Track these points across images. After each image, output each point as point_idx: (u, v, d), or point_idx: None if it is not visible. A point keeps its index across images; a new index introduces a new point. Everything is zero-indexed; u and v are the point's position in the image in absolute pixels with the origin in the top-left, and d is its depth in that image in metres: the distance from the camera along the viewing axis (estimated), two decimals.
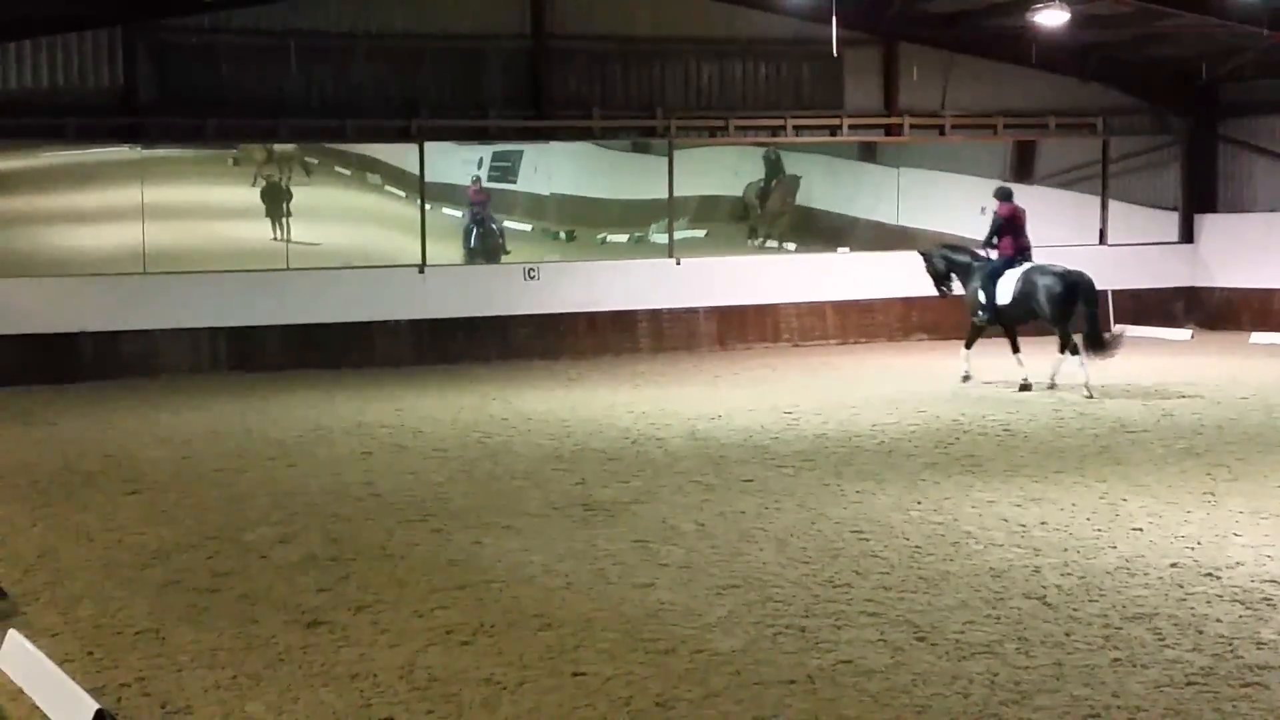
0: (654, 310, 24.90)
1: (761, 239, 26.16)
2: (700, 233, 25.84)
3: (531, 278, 24.24)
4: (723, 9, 26.42)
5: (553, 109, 25.61)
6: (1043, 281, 18.87)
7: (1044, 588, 9.72)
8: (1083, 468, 13.94)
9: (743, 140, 26.45)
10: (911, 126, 27.25)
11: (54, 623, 9.26)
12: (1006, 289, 19.19)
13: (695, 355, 24.36)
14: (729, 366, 22.70)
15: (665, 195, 25.30)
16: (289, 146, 23.59)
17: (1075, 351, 18.78)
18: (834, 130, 27.01)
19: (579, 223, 25.41)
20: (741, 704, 7.59)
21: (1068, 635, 8.66)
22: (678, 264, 25.02)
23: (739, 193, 26.17)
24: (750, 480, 13.53)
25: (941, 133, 27.51)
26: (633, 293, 24.72)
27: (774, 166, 26.32)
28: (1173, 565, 10.26)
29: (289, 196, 23.61)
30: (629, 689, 7.85)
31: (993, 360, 20.76)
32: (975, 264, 19.85)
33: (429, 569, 10.44)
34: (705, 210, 25.95)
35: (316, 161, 23.58)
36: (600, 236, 25.48)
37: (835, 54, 23.71)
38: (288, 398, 19.55)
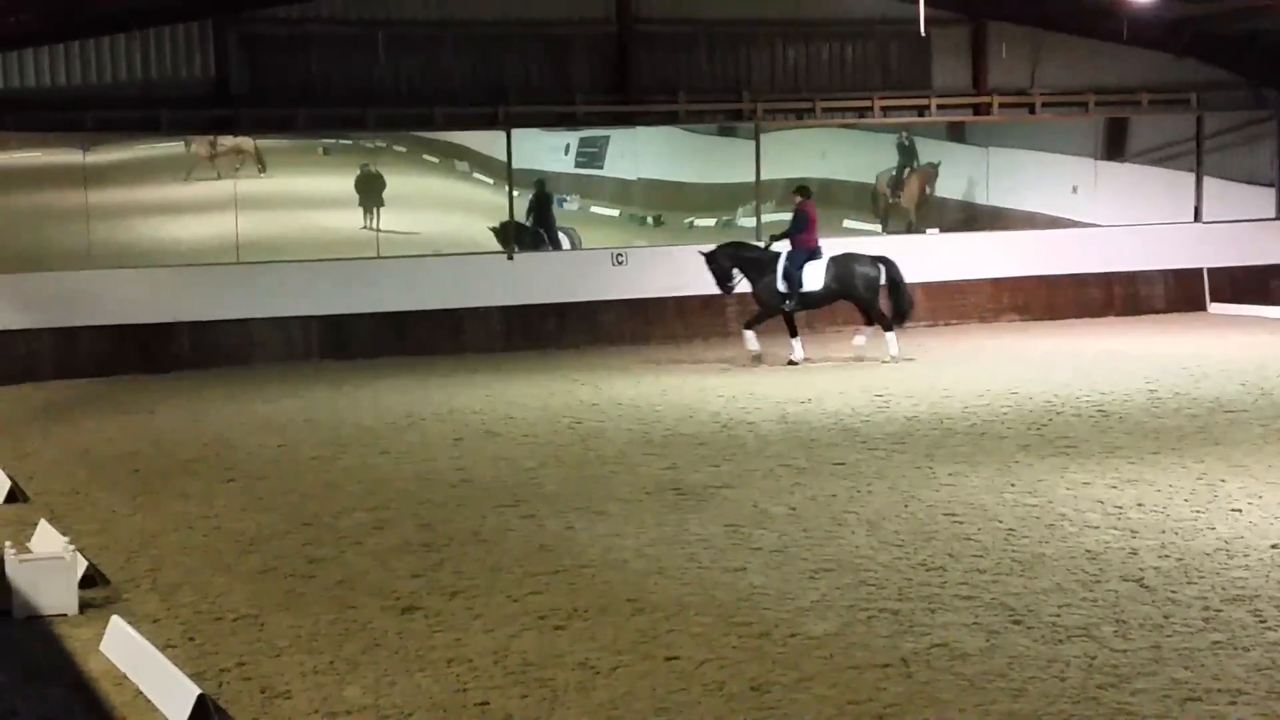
0: (743, 294, 24.80)
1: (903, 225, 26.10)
2: (788, 215, 25.69)
3: (619, 263, 24.25)
4: None
5: (639, 93, 25.60)
6: (860, 269, 20.81)
7: (1141, 570, 9.62)
8: (1180, 448, 13.77)
9: (829, 122, 26.30)
10: (1001, 105, 26.97)
11: (155, 609, 9.41)
12: (815, 277, 20.79)
13: (785, 338, 24.25)
14: (818, 350, 22.60)
15: (752, 179, 25.20)
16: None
17: (888, 327, 20.82)
18: (922, 110, 26.79)
19: (666, 207, 25.38)
20: (835, 688, 7.58)
21: (1166, 618, 8.57)
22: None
23: (827, 175, 26.00)
24: (841, 463, 13.48)
25: (1031, 111, 27.21)
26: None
27: (907, 153, 26.10)
28: (1273, 546, 10.12)
29: (382, 185, 23.77)
30: (722, 673, 7.86)
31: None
32: (765, 258, 21.07)
33: (522, 554, 10.50)
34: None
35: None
36: (687, 221, 25.43)
37: (923, 33, 23.49)
38: (380, 385, 19.72)
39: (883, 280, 20.86)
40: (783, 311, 21.07)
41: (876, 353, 20.81)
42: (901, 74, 26.90)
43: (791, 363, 20.77)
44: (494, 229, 23.99)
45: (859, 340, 21.18)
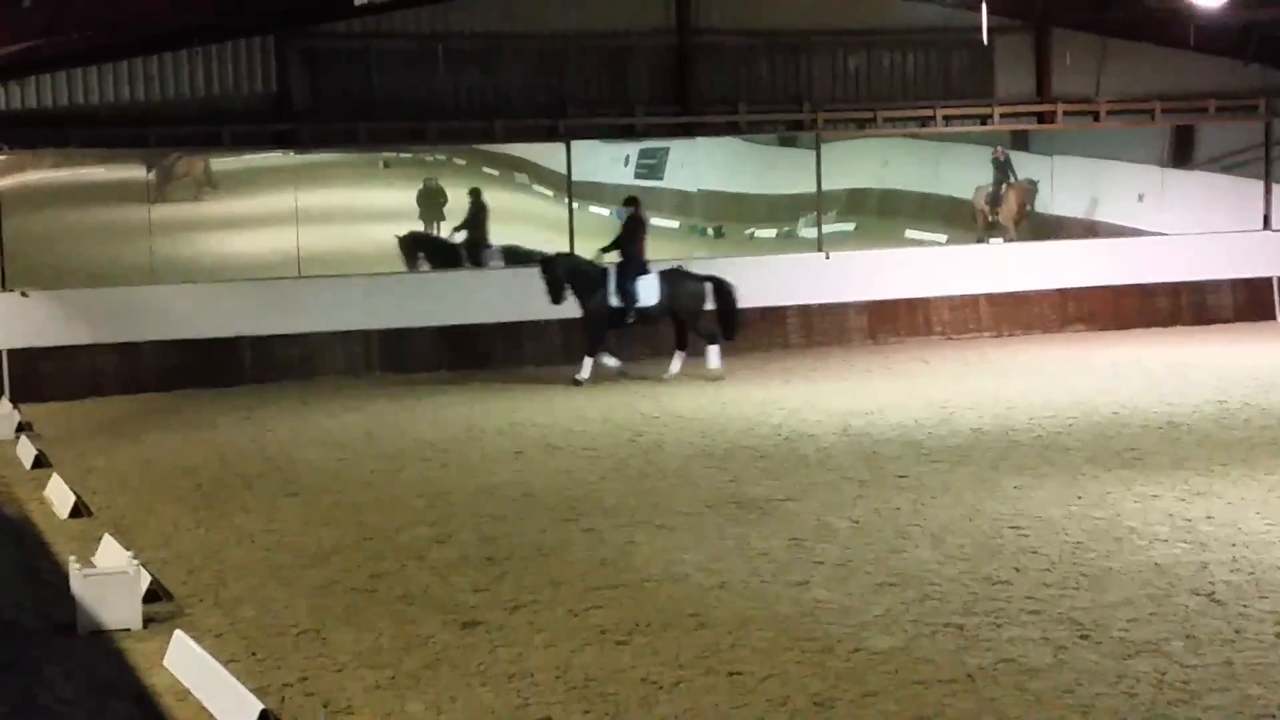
0: (803, 305, 24.70)
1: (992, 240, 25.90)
2: (849, 226, 25.61)
3: None
4: None
5: (698, 104, 25.55)
6: (691, 286, 20.82)
7: (1212, 584, 9.47)
8: (1250, 460, 13.56)
9: (891, 131, 26.17)
10: (1065, 113, 26.74)
11: (218, 623, 9.43)
12: (651, 290, 20.57)
13: (846, 350, 24.13)
14: (881, 361, 22.47)
15: (813, 189, 25.08)
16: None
17: (713, 340, 20.83)
18: (985, 119, 26.60)
19: (726, 218, 25.30)
20: (901, 703, 7.49)
21: (1238, 633, 8.42)
22: (827, 258, 24.80)
23: (888, 185, 25.86)
24: (905, 476, 13.36)
25: (1096, 119, 26.97)
26: (782, 288, 24.51)
27: (1004, 169, 25.87)
28: None
29: (444, 199, 23.82)
30: (786, 688, 7.78)
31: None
32: (594, 272, 20.65)
33: (583, 568, 10.45)
34: (854, 203, 25.71)
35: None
36: (748, 232, 25.35)
37: (985, 41, 23.33)
38: (440, 398, 19.74)
39: (710, 300, 20.85)
40: (595, 326, 20.72)
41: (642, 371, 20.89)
42: (964, 83, 26.73)
43: (576, 381, 20.40)
44: (399, 238, 23.34)
45: (715, 364, 20.81)
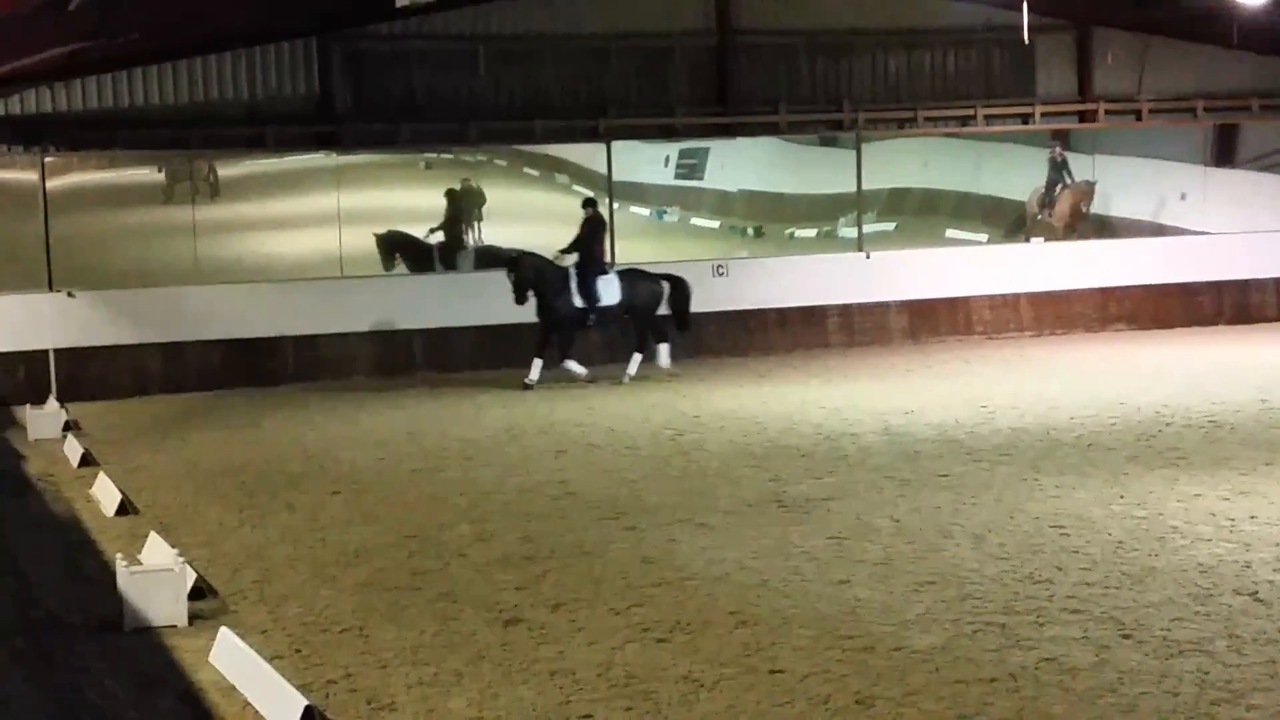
0: (844, 305, 24.67)
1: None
2: (890, 226, 25.58)
3: (720, 274, 24.19)
4: None
5: (739, 105, 25.58)
6: (651, 286, 20.86)
7: (1255, 584, 9.43)
8: None
9: (932, 131, 26.13)
10: (1107, 112, 26.66)
11: (263, 620, 9.50)
12: (611, 292, 20.58)
13: (886, 349, 24.10)
14: (921, 360, 22.43)
15: (853, 189, 25.06)
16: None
17: (663, 339, 20.96)
18: (1026, 118, 26.54)
19: (766, 218, 25.31)
20: (942, 702, 7.49)
21: None
22: (867, 258, 24.76)
23: (928, 184, 25.81)
24: (946, 475, 13.35)
25: (1138, 118, 26.86)
26: (822, 287, 24.51)
27: (1060, 170, 25.72)
28: None
29: (482, 200, 23.91)
30: (827, 686, 7.79)
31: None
32: (557, 274, 20.51)
33: (624, 567, 10.49)
34: (894, 203, 25.67)
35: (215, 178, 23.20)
36: (788, 231, 25.34)
37: (1026, 41, 23.27)
38: (481, 398, 19.81)
39: (666, 300, 20.96)
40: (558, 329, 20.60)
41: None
42: (1005, 82, 26.67)
43: (526, 385, 20.24)
44: (378, 236, 23.15)
45: (665, 362, 20.91)
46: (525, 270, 20.44)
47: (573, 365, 20.72)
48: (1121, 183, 26.17)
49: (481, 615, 9.39)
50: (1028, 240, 25.76)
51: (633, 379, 20.63)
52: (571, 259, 20.55)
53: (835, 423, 16.65)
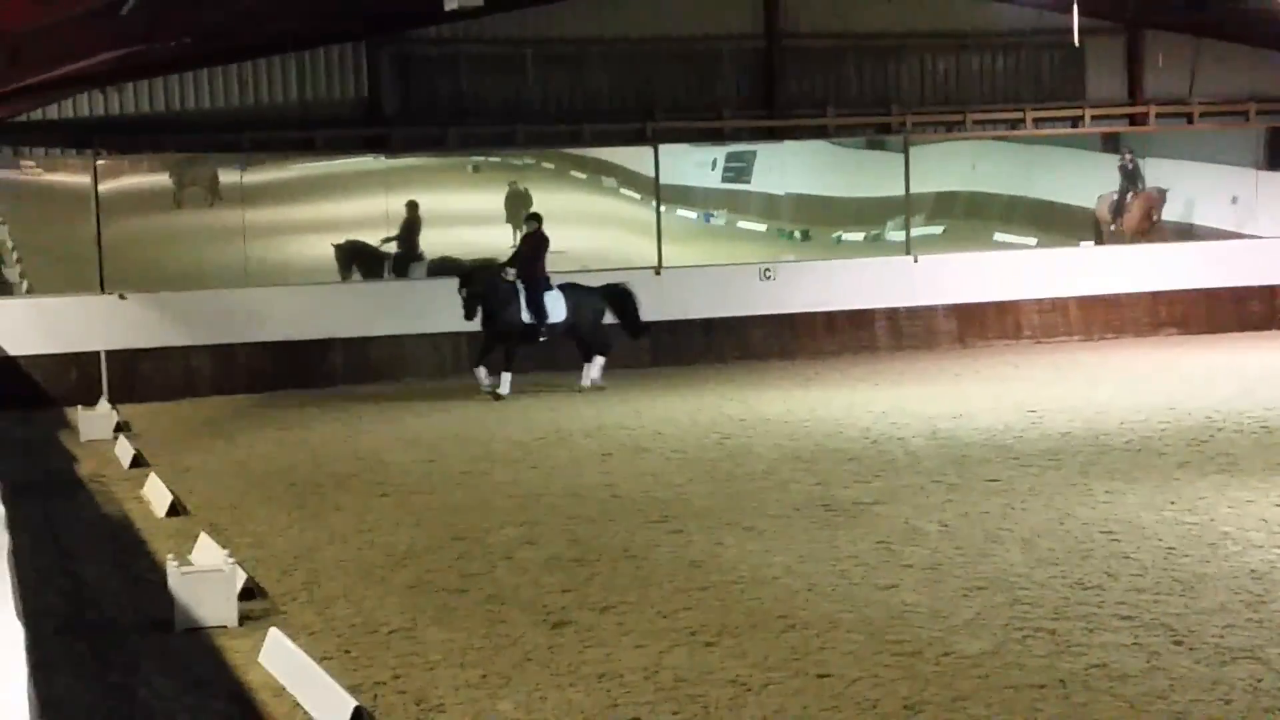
0: (891, 309, 24.62)
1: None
2: (937, 229, 25.50)
3: (767, 278, 24.18)
4: (958, 1, 26.07)
5: (786, 108, 25.56)
6: (592, 300, 20.71)
7: None
8: None
9: (980, 134, 26.03)
10: (1157, 115, 26.50)
11: (312, 621, 9.55)
12: (559, 307, 20.38)
13: (934, 353, 24.03)
14: (969, 364, 22.34)
15: (901, 192, 24.99)
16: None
17: (605, 353, 20.73)
18: (1075, 121, 26.42)
19: (814, 222, 25.27)
20: (991, 708, 7.46)
21: None
22: (915, 261, 24.71)
23: (977, 188, 25.70)
24: (994, 480, 13.29)
25: (1189, 121, 26.70)
26: (869, 291, 24.46)
27: (1131, 177, 25.54)
28: None
29: (529, 203, 23.97)
30: (875, 691, 7.77)
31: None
32: (506, 287, 20.20)
33: (671, 570, 10.49)
34: (942, 206, 25.58)
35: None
36: (836, 235, 25.30)
37: (1076, 43, 23.18)
38: (528, 400, 19.85)
39: (608, 311, 20.87)
40: (506, 343, 20.29)
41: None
42: (1054, 85, 26.57)
43: (499, 396, 19.99)
44: (336, 246, 23.01)
45: (595, 375, 20.68)
46: (477, 284, 20.05)
47: (482, 374, 20.28)
48: (1173, 187, 25.97)
49: (529, 617, 9.41)
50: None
51: (592, 385, 20.49)
52: (510, 272, 20.23)
53: (883, 427, 16.60)
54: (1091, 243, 25.61)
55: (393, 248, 23.20)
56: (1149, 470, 13.49)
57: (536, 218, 20.78)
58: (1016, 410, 17.41)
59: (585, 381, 20.61)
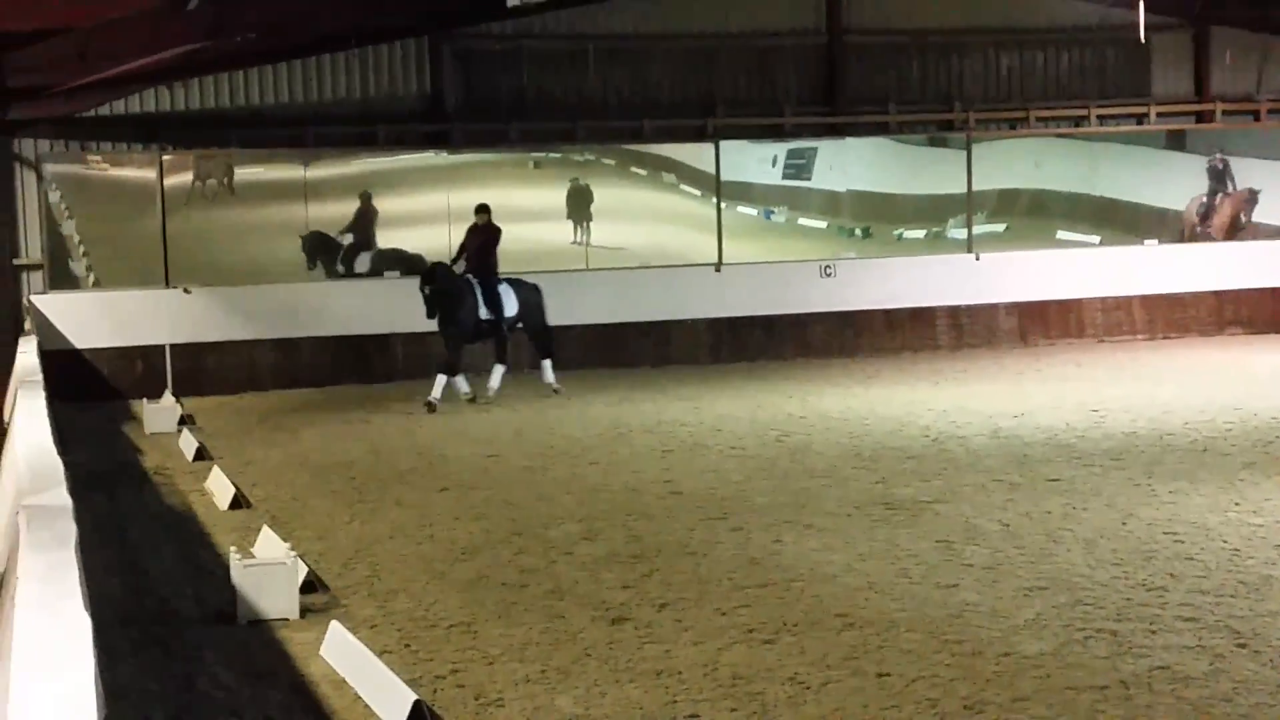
0: (953, 306, 24.51)
1: None
2: (1000, 227, 25.35)
3: (827, 275, 24.14)
4: None
5: (848, 104, 25.48)
6: (535, 295, 20.05)
7: None
8: None
9: (1043, 131, 25.86)
10: (1224, 113, 26.23)
11: (372, 615, 9.60)
12: (511, 302, 19.81)
13: (996, 352, 23.91)
14: (1031, 363, 22.20)
15: (963, 189, 24.87)
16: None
17: (547, 355, 20.31)
18: (1141, 119, 26.19)
19: (875, 219, 25.19)
20: (1052, 709, 7.41)
21: None
22: (977, 259, 24.59)
23: (1040, 185, 25.52)
24: (1056, 479, 13.21)
25: (1256, 118, 26.41)
26: (931, 289, 24.38)
27: (1220, 178, 25.28)
28: None
29: (591, 199, 24.02)
30: (935, 691, 7.74)
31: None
32: (461, 284, 19.54)
33: (730, 567, 10.48)
34: (1005, 204, 25.43)
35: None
36: (896, 232, 25.21)
37: (1142, 40, 22.98)
38: (588, 396, 19.88)
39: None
40: (457, 343, 19.56)
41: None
42: (1119, 81, 26.35)
43: (430, 405, 19.01)
44: (302, 238, 22.86)
45: (550, 378, 20.08)
46: (441, 282, 19.36)
47: (460, 381, 19.64)
48: (1239, 184, 25.70)
49: (588, 613, 9.43)
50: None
51: (553, 386, 20.01)
52: (460, 265, 19.71)
53: (943, 425, 16.53)
54: (1156, 241, 25.39)
55: (348, 239, 23.03)
56: (1214, 471, 13.37)
57: (485, 208, 20.02)
58: (1079, 409, 17.29)
59: (549, 380, 20.06)
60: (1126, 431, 15.66)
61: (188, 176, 22.56)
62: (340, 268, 23.02)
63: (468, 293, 19.53)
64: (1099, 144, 25.70)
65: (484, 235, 19.79)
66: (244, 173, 22.94)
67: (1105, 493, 12.55)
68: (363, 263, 23.08)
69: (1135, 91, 26.41)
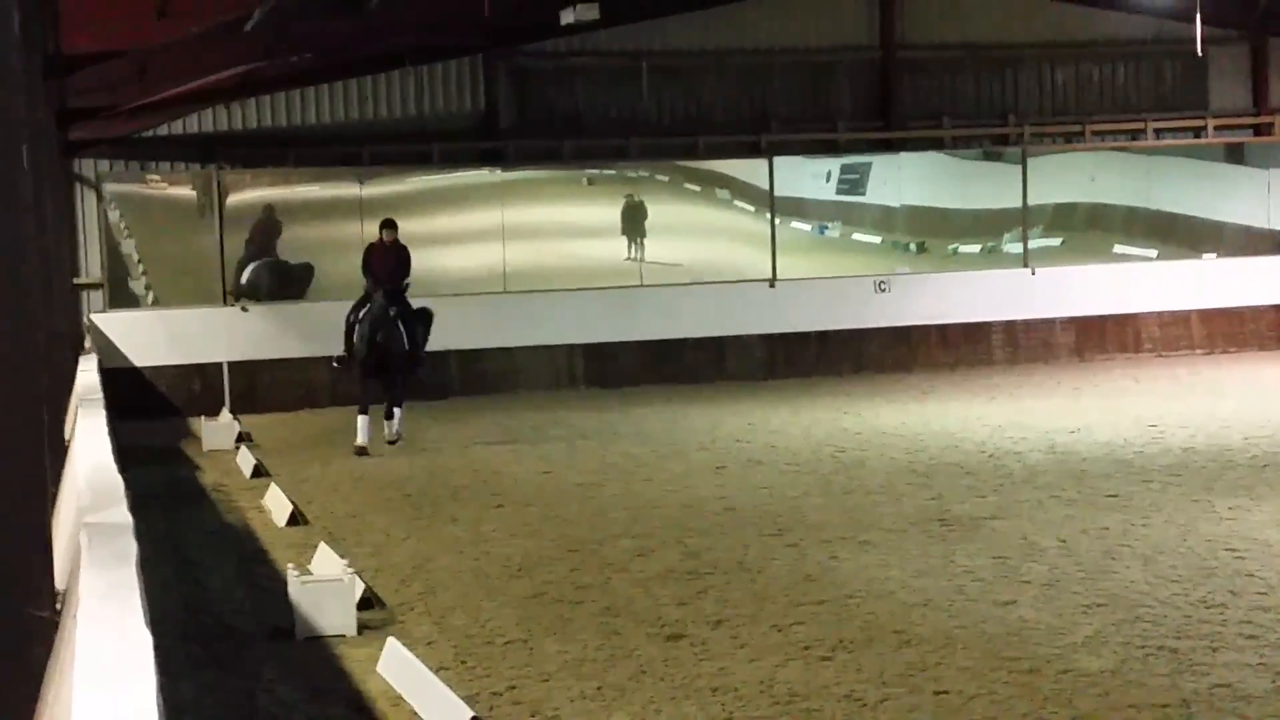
0: (1008, 321, 24.38)
1: None
2: (1056, 241, 25.20)
3: (882, 290, 24.07)
4: (1077, 10, 25.78)
5: (901, 119, 25.42)
6: (426, 316, 17.97)
7: None
8: None
9: (1099, 145, 25.71)
10: None
11: (429, 632, 9.63)
12: (426, 327, 17.94)
13: (1052, 367, 23.76)
14: (1088, 378, 22.06)
15: (1018, 204, 24.74)
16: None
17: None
18: (1198, 132, 25.99)
19: (929, 234, 25.09)
20: None
21: None
22: (1033, 274, 24.45)
23: (1096, 199, 25.36)
24: (1114, 495, 13.11)
25: None
26: (986, 304, 24.26)
27: None
28: None
29: (645, 215, 24.03)
30: (993, 708, 7.69)
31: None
32: (380, 309, 17.30)
33: (786, 584, 10.46)
34: (1061, 218, 25.28)
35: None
36: (951, 247, 25.10)
37: (1199, 53, 22.82)
38: (643, 412, 19.89)
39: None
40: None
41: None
42: (1176, 95, 26.17)
43: (361, 450, 17.04)
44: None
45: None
46: (378, 310, 17.17)
47: (399, 416, 17.56)
48: None
49: (643, 630, 9.43)
50: None
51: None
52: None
53: (999, 441, 16.44)
54: (1214, 254, 25.17)
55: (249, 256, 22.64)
56: (1274, 486, 13.24)
57: (393, 224, 17.85)
58: (1137, 424, 17.16)
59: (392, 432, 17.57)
60: (1185, 447, 15.53)
61: (268, 195, 22.69)
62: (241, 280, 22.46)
63: (391, 319, 17.23)
64: (1156, 158, 25.52)
65: (399, 255, 17.63)
66: (300, 191, 23.09)
67: (1164, 509, 12.45)
68: (244, 274, 22.53)
69: (1192, 104, 26.22)
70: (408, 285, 17.57)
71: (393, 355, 17.25)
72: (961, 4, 25.66)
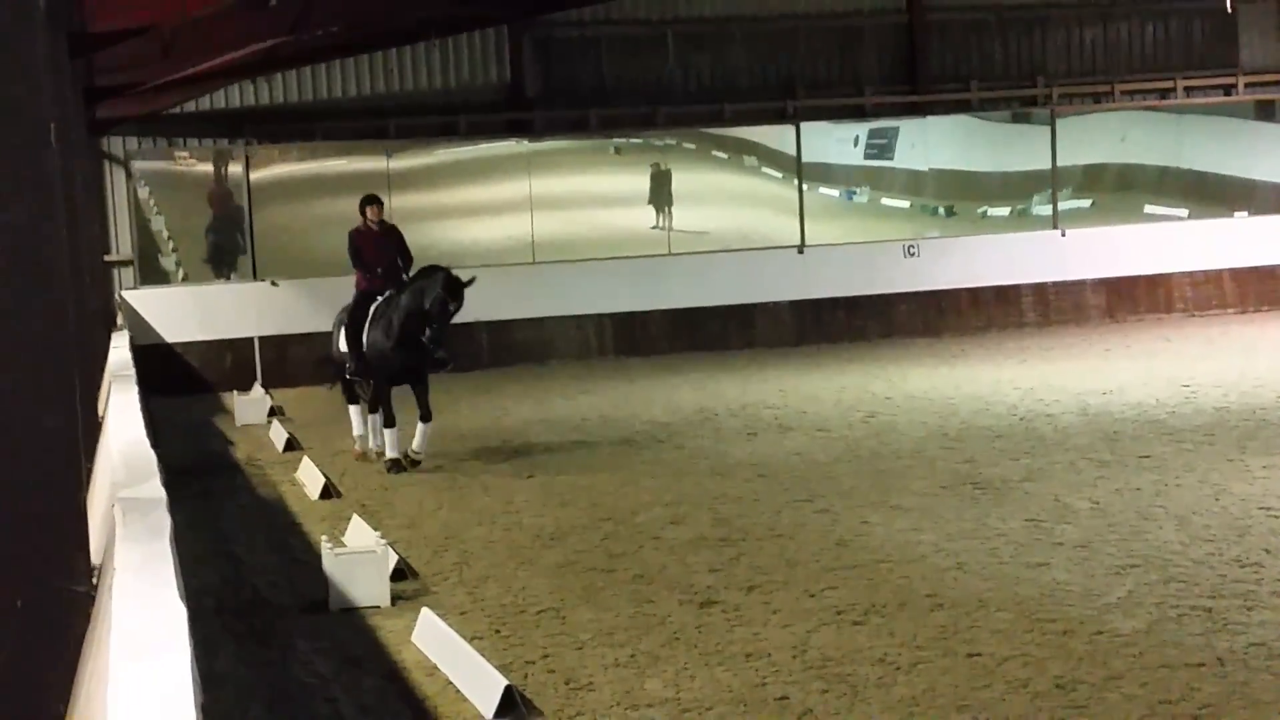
0: (1038, 284, 24.29)
1: None
2: (1085, 203, 25.08)
3: (911, 254, 23.99)
4: None
5: (929, 83, 25.31)
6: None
7: None
8: None
9: (1129, 105, 25.55)
10: None
11: (463, 602, 9.68)
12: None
13: (1083, 329, 23.66)
14: (1120, 339, 21.96)
15: (1048, 165, 24.62)
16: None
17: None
18: (1229, 90, 25.81)
19: (958, 197, 25.00)
20: (1146, 687, 7.35)
21: None
22: (1063, 235, 24.34)
23: (1126, 159, 25.22)
24: (1147, 456, 13.07)
25: None
26: (1016, 266, 24.16)
27: None
28: None
29: (672, 183, 24.01)
30: (1027, 670, 7.69)
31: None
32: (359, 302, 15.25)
33: (818, 549, 10.46)
34: (1090, 179, 25.16)
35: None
36: (980, 210, 25.00)
37: (1229, 9, 22.65)
38: (673, 380, 19.90)
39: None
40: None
41: None
42: (1206, 53, 25.99)
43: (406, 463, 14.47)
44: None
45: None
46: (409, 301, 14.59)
47: (370, 431, 15.26)
48: None
49: (676, 597, 9.45)
50: None
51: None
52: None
53: (1030, 403, 16.40)
54: (1246, 213, 25.02)
55: (211, 239, 22.78)
56: None
57: (377, 200, 15.34)
58: (1169, 385, 17.09)
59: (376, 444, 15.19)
60: (1218, 406, 15.47)
61: (298, 170, 22.80)
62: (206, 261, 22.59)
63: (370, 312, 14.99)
64: (1186, 116, 25.35)
65: (391, 240, 15.08)
66: (328, 165, 23.12)
67: (1197, 469, 12.41)
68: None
69: (1222, 62, 26.03)
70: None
71: (425, 355, 14.60)
72: None
